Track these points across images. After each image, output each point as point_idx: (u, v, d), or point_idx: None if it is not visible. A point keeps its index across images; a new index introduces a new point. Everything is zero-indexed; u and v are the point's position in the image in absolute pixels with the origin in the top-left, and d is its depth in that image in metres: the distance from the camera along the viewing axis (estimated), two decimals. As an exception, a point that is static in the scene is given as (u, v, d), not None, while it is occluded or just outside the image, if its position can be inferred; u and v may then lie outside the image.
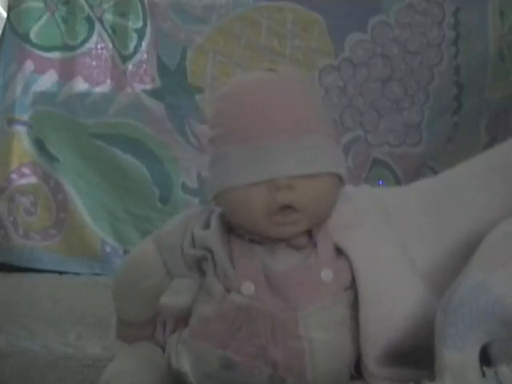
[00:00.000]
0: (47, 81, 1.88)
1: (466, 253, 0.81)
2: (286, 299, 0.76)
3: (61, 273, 1.79)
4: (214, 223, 0.80)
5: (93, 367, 0.95)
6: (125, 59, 1.89)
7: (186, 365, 0.80)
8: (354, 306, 0.79)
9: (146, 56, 1.89)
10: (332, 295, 0.77)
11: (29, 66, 1.88)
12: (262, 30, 1.88)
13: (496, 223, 0.78)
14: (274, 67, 0.83)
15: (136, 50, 1.89)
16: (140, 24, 1.89)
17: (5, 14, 1.89)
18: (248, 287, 0.76)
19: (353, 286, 0.79)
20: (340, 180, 0.79)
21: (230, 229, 0.80)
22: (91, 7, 1.89)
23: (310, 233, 0.79)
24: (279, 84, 0.80)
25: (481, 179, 0.89)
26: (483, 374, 0.65)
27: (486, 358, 0.68)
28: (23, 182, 1.87)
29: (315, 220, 0.78)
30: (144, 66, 1.89)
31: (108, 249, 1.85)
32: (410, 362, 0.77)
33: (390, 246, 0.83)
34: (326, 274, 0.77)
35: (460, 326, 0.67)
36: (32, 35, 1.88)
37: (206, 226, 0.81)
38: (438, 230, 0.87)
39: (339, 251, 0.79)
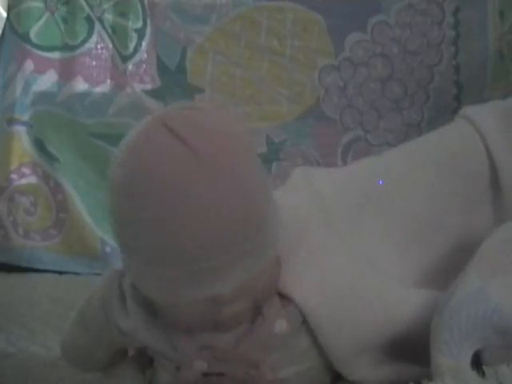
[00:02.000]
0: (47, 81, 1.88)
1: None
2: (243, 363, 0.70)
3: (61, 273, 1.78)
4: (131, 305, 0.73)
5: (93, 367, 0.95)
6: (125, 59, 1.89)
7: None
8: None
9: (145, 56, 1.89)
10: (289, 337, 0.71)
11: (29, 65, 1.88)
12: (261, 30, 1.88)
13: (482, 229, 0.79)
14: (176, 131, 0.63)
15: (136, 50, 1.89)
16: (140, 24, 1.89)
17: (5, 14, 1.89)
18: (200, 365, 0.70)
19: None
20: None
21: None
22: (91, 7, 1.89)
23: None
24: (204, 175, 0.60)
25: (423, 172, 0.87)
26: (483, 374, 0.65)
27: (477, 362, 0.68)
28: (23, 181, 1.87)
29: (263, 301, 0.70)
30: (144, 65, 1.89)
31: (108, 249, 1.84)
32: (403, 358, 0.75)
33: (335, 262, 0.76)
34: (279, 326, 0.70)
35: (456, 332, 0.66)
36: (32, 35, 1.88)
37: (124, 309, 0.73)
38: (378, 220, 0.84)
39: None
